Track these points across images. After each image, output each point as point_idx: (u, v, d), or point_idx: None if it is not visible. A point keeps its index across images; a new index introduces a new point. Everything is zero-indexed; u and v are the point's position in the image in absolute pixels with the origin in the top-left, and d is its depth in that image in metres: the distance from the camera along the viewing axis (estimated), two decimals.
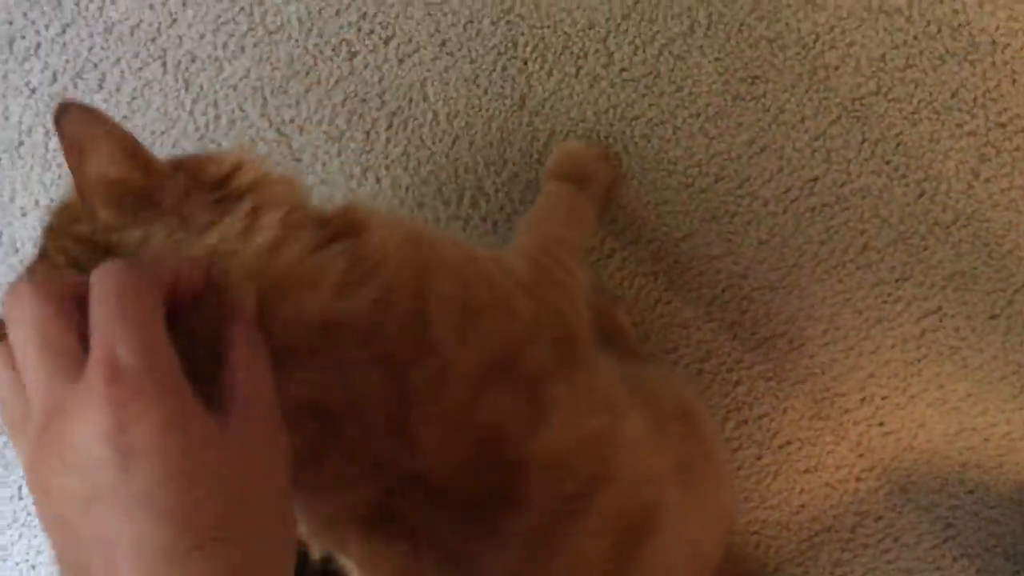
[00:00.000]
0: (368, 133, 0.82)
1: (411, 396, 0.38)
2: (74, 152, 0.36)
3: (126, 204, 0.36)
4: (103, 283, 0.28)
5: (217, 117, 0.81)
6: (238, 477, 0.28)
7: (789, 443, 0.85)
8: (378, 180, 0.82)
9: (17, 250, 0.84)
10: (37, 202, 0.83)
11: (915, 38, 0.79)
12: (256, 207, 0.37)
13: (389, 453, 0.39)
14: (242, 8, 0.81)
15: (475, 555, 0.41)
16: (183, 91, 0.81)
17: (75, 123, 0.36)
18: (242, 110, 0.81)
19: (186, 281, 0.32)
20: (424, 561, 0.41)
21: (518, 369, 0.43)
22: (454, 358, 0.40)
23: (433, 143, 0.82)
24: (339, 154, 0.82)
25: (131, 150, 0.37)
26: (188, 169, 0.38)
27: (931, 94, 0.80)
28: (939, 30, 0.79)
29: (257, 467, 0.29)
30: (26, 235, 0.83)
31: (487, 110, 0.81)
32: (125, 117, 0.82)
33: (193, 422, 0.27)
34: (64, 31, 0.82)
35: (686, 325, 0.84)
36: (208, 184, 0.38)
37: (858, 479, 0.85)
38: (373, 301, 0.38)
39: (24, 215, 0.83)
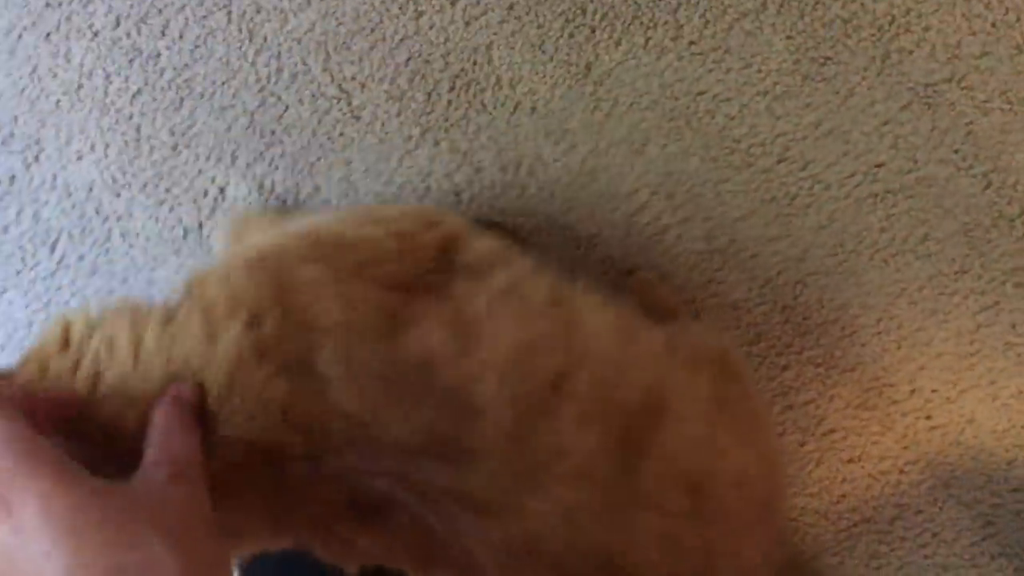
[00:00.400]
0: (430, 94, 0.81)
1: (325, 380, 0.41)
2: None
3: None
4: None
5: (279, 70, 0.81)
6: (130, 526, 0.31)
7: (834, 431, 0.84)
8: (436, 143, 0.81)
9: (70, 194, 0.83)
10: (93, 146, 0.83)
11: (993, 25, 0.77)
12: (106, 337, 0.41)
13: (336, 439, 0.40)
14: None
15: (461, 481, 0.42)
16: (247, 42, 0.81)
17: None
18: (305, 64, 0.81)
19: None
20: (422, 516, 0.41)
21: (421, 289, 0.45)
22: (352, 323, 0.42)
23: (494, 108, 0.81)
24: (399, 114, 0.81)
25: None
26: (33, 359, 0.41)
27: (1005, 84, 0.78)
28: (1018, 18, 0.77)
29: (154, 515, 0.32)
30: (80, 180, 0.83)
31: (551, 77, 0.80)
32: (187, 65, 0.81)
33: (75, 484, 0.30)
34: None
35: (737, 306, 0.83)
36: (56, 355, 0.41)
37: (901, 471, 0.84)
38: (243, 328, 0.41)
39: (80, 159, 0.83)
